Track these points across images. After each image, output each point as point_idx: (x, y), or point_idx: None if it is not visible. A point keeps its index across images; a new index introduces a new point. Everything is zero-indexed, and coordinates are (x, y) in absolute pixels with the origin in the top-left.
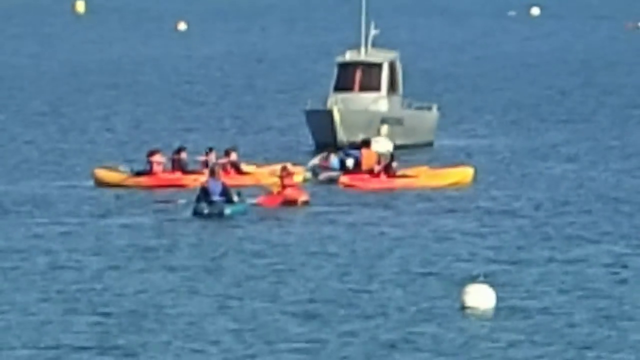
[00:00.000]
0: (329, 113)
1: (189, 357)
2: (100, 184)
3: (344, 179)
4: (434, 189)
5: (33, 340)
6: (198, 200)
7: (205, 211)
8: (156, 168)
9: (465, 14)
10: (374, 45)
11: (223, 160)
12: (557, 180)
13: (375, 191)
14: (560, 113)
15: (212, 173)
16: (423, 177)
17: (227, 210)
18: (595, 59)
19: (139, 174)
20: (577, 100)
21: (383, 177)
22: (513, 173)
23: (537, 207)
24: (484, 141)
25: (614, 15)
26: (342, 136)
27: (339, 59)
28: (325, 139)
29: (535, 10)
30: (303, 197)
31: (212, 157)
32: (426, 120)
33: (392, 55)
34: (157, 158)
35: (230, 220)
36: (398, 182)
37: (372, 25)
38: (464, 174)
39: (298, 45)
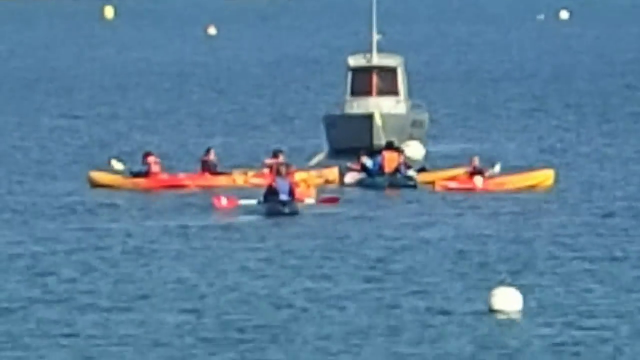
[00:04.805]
0: (369, 117)
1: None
2: (96, 185)
3: (440, 181)
4: (509, 192)
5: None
6: (266, 199)
7: (287, 210)
8: (154, 169)
9: (494, 17)
10: (378, 50)
11: (270, 161)
12: (602, 184)
13: (467, 193)
14: (602, 113)
15: (278, 172)
16: (510, 180)
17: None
18: (632, 60)
19: (135, 175)
20: (618, 101)
21: (478, 179)
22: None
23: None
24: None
25: None
26: (380, 140)
27: (352, 64)
28: (352, 143)
29: (564, 14)
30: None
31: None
32: (427, 123)
33: (400, 59)
34: (152, 159)
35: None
36: (489, 185)
37: (375, 31)
38: (545, 176)
39: (310, 48)
